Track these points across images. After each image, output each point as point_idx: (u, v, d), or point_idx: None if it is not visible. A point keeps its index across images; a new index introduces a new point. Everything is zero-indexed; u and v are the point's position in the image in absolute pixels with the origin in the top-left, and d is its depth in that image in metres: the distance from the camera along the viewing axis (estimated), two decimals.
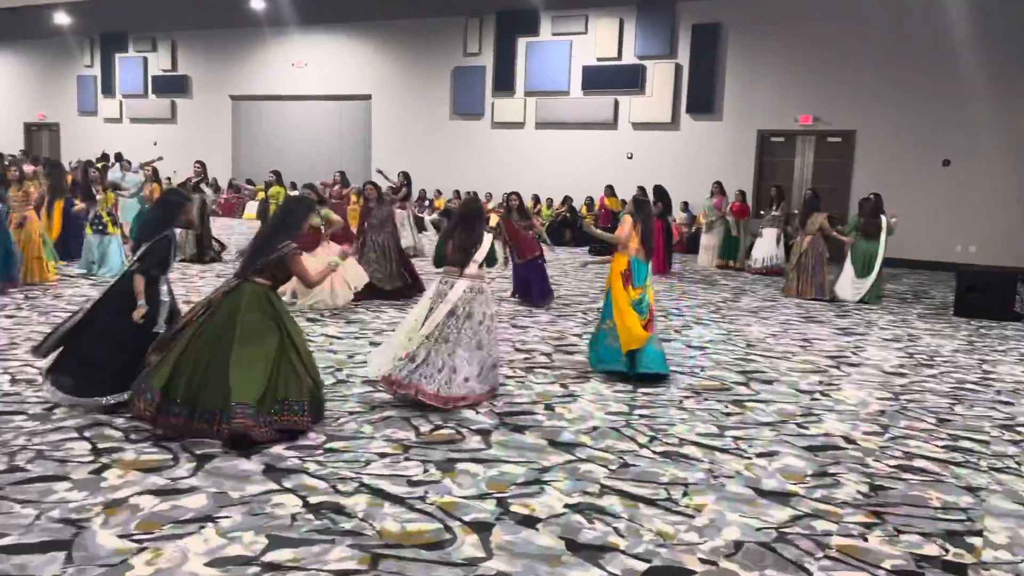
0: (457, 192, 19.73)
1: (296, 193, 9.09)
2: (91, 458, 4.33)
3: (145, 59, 24.07)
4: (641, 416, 5.44)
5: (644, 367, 6.29)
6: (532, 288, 9.66)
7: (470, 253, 5.62)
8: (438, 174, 20.10)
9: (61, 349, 5.15)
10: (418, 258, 13.04)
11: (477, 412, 5.35)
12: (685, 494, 4.15)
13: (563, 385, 6.12)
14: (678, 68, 17.41)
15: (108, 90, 24.69)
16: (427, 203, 19.94)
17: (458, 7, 19.11)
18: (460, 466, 4.41)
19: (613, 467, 4.48)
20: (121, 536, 3.44)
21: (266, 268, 4.85)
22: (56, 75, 25.64)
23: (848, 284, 10.95)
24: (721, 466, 4.57)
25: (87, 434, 4.68)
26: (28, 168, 12.41)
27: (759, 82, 16.65)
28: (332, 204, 10.53)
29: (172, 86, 23.71)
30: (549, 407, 5.56)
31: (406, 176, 13.70)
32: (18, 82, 26.58)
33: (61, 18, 22.32)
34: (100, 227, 10.53)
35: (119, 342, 5.06)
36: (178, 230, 5.84)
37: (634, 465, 4.53)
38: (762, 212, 14.70)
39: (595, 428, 5.14)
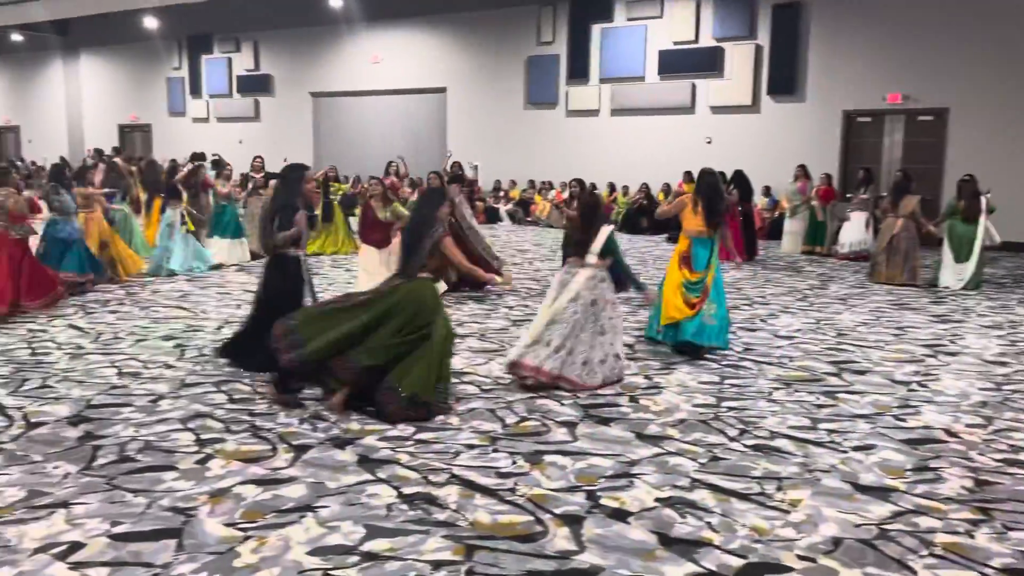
0: (532, 182, 19.75)
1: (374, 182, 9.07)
2: (195, 448, 4.51)
3: (229, 60, 24.82)
4: (729, 408, 5.35)
5: (688, 336, 6.52)
6: None
7: (588, 244, 5.78)
8: (513, 164, 20.15)
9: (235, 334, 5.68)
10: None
11: (562, 404, 5.36)
12: (779, 488, 4.07)
13: (647, 376, 6.07)
14: (758, 49, 16.96)
15: (196, 91, 25.57)
16: (502, 194, 20.02)
17: None
18: (548, 458, 4.43)
19: (703, 460, 4.43)
20: (227, 524, 3.59)
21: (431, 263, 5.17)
22: (147, 77, 26.68)
23: (949, 271, 10.50)
24: (816, 460, 4.46)
25: (190, 425, 4.89)
26: (121, 163, 12.93)
27: (844, 60, 16.08)
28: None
29: (255, 85, 24.40)
30: (634, 399, 5.52)
31: (458, 166, 13.65)
32: (111, 85, 27.78)
33: (150, 22, 23.25)
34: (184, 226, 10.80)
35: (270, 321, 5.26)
36: None
37: (724, 459, 4.47)
38: (849, 195, 14.23)
39: (682, 421, 5.08)
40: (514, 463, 4.36)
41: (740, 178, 13.29)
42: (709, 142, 17.54)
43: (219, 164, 12.83)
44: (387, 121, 22.45)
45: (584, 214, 6.01)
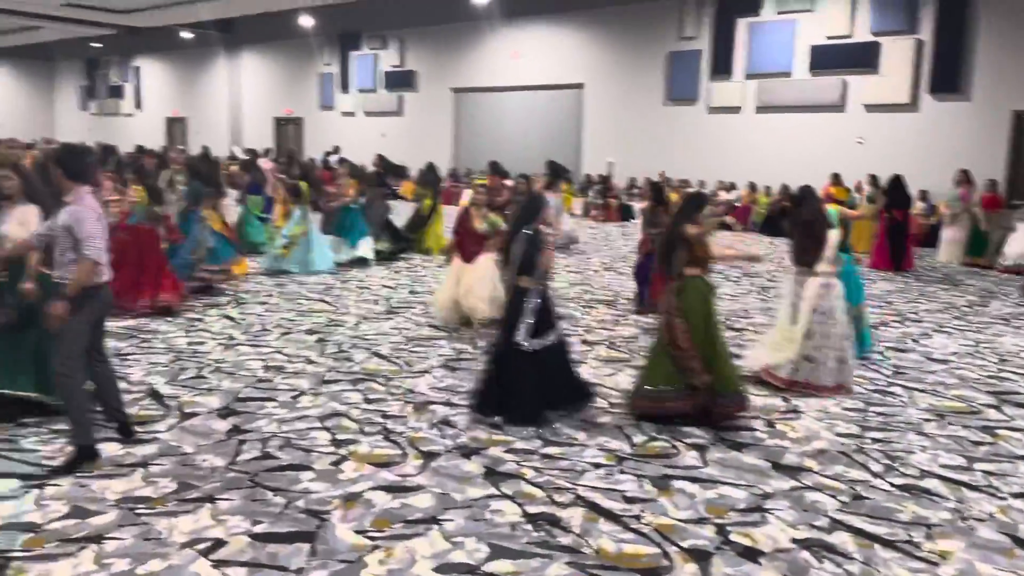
0: (669, 180, 19.34)
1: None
2: (331, 449, 4.68)
3: (376, 56, 25.71)
4: (875, 440, 5.03)
5: None
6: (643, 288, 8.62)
7: (814, 254, 6.01)
8: (650, 162, 19.81)
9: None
10: (567, 251, 12.75)
11: (691, 425, 5.20)
12: (928, 537, 3.79)
13: (785, 399, 5.80)
14: (919, 44, 15.88)
15: (345, 86, 26.65)
16: (636, 191, 19.72)
17: None
18: (676, 484, 4.31)
19: (844, 499, 4.18)
20: (357, 532, 3.69)
21: (690, 259, 5.20)
22: (300, 73, 28.07)
23: None
24: (970, 506, 4.12)
25: (328, 424, 5.08)
26: (264, 164, 13.54)
27: (1016, 56, 14.79)
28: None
29: (400, 81, 25.16)
30: (770, 423, 5.29)
31: (553, 165, 13.48)
32: (268, 80, 29.41)
33: (305, 21, 24.46)
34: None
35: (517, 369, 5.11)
36: None
37: (868, 498, 4.20)
38: (1016, 203, 13.11)
39: (822, 451, 4.82)
40: (641, 487, 4.27)
41: (895, 184, 12.44)
42: (861, 142, 16.62)
43: (347, 161, 13.13)
44: (524, 116, 22.61)
45: (804, 229, 6.11)
